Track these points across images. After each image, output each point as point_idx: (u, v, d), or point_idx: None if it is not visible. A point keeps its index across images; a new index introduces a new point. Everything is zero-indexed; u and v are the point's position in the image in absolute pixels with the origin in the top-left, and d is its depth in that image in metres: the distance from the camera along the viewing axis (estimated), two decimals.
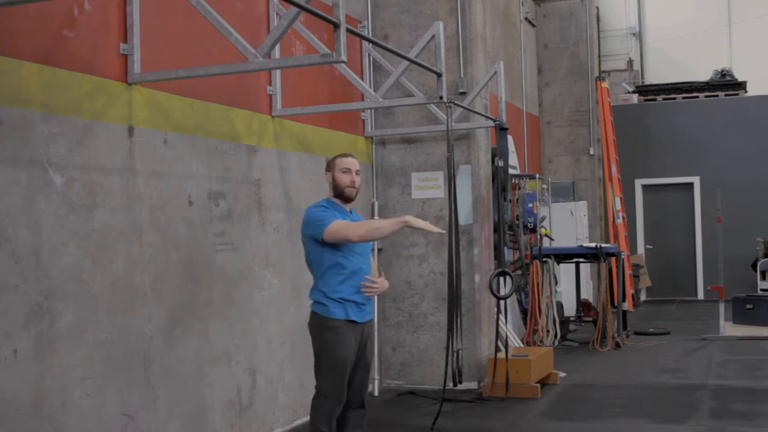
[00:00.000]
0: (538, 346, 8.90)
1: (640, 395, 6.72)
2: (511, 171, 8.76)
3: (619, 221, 11.43)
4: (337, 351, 4.26)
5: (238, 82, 5.39)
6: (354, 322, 4.30)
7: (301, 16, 4.14)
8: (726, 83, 14.91)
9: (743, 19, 16.61)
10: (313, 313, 4.36)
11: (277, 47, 5.53)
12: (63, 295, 3.91)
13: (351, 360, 4.31)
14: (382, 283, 4.44)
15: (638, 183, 14.80)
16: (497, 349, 6.90)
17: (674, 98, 15.04)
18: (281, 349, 5.71)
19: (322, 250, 4.31)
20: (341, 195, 4.43)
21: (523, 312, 9.57)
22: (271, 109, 5.77)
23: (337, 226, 4.25)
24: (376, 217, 6.97)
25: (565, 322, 9.75)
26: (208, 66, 4.79)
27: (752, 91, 14.81)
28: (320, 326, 4.31)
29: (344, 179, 4.43)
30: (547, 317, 9.29)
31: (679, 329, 10.51)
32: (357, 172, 4.45)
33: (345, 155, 4.52)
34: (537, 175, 10.66)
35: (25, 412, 3.70)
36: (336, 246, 4.30)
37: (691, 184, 14.59)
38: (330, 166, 4.48)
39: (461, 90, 7.08)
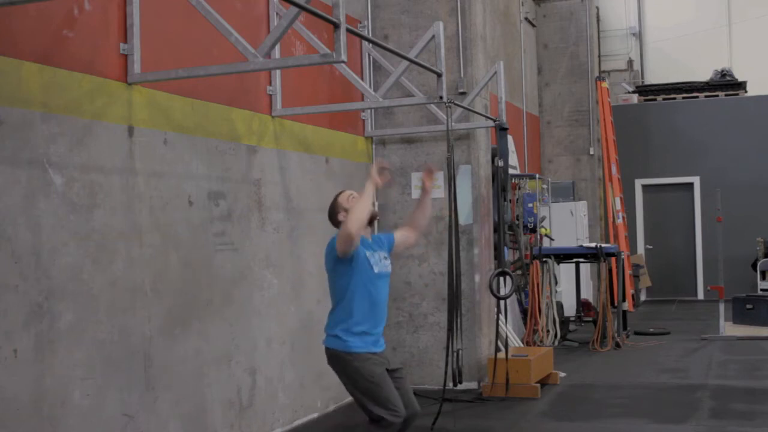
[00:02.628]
0: (538, 346, 8.89)
1: (640, 395, 6.72)
2: (511, 171, 8.76)
3: (619, 221, 11.43)
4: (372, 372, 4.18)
5: (238, 82, 5.39)
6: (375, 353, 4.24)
7: (301, 16, 4.15)
8: (726, 83, 14.91)
9: (743, 19, 16.61)
10: (332, 350, 4.26)
11: (277, 47, 5.53)
12: (63, 295, 3.90)
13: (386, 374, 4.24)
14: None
15: (638, 183, 14.80)
16: (497, 349, 6.90)
17: (674, 98, 15.04)
18: (281, 349, 5.71)
19: (344, 272, 4.28)
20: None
21: (523, 312, 9.56)
22: (271, 109, 5.77)
23: (340, 231, 4.23)
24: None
25: (565, 322, 9.75)
26: (208, 66, 4.79)
27: (752, 91, 14.81)
28: (343, 361, 4.23)
29: None
30: (547, 317, 9.29)
31: (679, 329, 10.51)
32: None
33: (341, 192, 4.51)
34: (537, 175, 10.66)
35: (25, 412, 3.70)
36: (358, 273, 4.24)
37: (691, 184, 14.58)
38: (338, 206, 4.43)
39: (461, 90, 7.08)
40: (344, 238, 4.18)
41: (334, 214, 4.50)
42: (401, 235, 4.65)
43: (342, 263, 4.29)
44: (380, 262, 4.40)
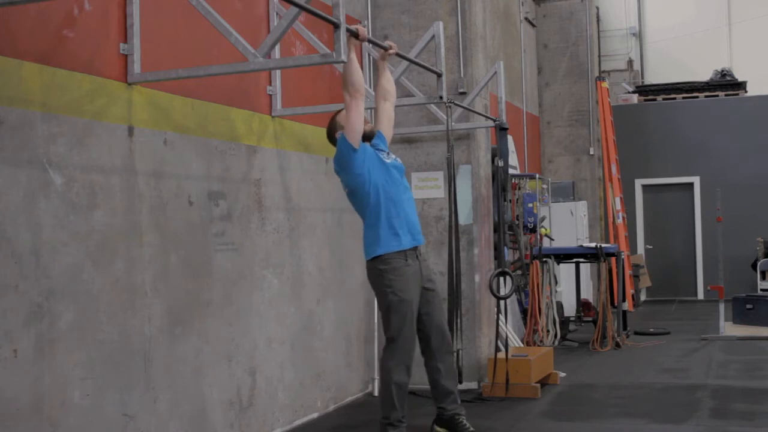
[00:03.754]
0: (538, 346, 8.90)
1: (640, 395, 6.72)
2: (511, 171, 8.76)
3: (619, 221, 11.44)
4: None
5: (237, 82, 5.39)
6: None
7: (301, 16, 4.14)
8: (726, 83, 14.91)
9: (743, 19, 16.62)
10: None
11: (277, 47, 5.53)
12: (63, 295, 3.91)
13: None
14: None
15: (638, 183, 14.80)
16: (497, 349, 6.90)
17: (674, 98, 15.04)
18: (281, 349, 5.71)
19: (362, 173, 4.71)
20: (364, 138, 4.75)
21: (523, 312, 9.56)
22: (271, 109, 5.77)
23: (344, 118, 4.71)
24: None
25: (565, 322, 9.75)
26: (208, 66, 4.79)
27: (752, 91, 14.82)
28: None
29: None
30: (547, 317, 9.29)
31: (679, 329, 10.51)
32: None
33: (339, 111, 4.92)
34: (537, 175, 10.67)
35: (25, 412, 3.70)
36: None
37: (691, 184, 14.59)
38: (336, 124, 4.85)
39: (461, 90, 7.08)
40: (352, 122, 4.58)
41: (332, 132, 4.77)
42: (383, 122, 5.12)
43: (357, 162, 4.65)
44: (389, 157, 4.90)
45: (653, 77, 17.11)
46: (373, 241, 4.74)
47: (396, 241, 4.71)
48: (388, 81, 5.10)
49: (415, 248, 4.86)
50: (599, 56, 15.80)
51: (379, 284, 4.74)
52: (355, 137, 4.62)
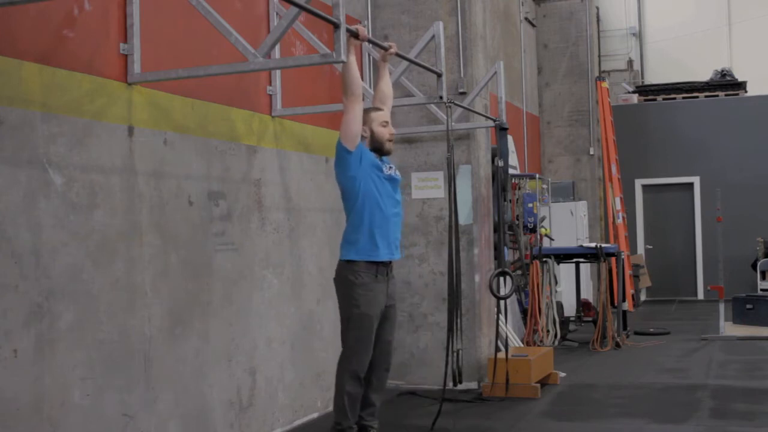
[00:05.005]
0: (538, 346, 8.90)
1: (640, 395, 6.72)
2: (511, 171, 8.77)
3: (619, 221, 11.44)
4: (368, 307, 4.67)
5: (237, 82, 5.39)
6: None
7: (301, 16, 4.15)
8: (726, 83, 14.91)
9: (743, 19, 16.62)
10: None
11: (277, 47, 5.53)
12: (63, 295, 3.91)
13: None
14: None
15: (638, 183, 14.80)
16: (497, 349, 6.90)
17: (674, 98, 15.05)
18: (281, 349, 5.71)
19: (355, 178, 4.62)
20: (380, 148, 4.71)
21: (523, 312, 9.56)
22: (271, 109, 5.77)
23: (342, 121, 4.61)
24: None
25: (565, 322, 9.75)
26: (208, 66, 4.79)
27: (752, 91, 14.82)
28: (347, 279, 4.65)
29: (384, 132, 4.70)
30: (547, 317, 9.29)
31: (679, 329, 10.51)
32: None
33: (377, 108, 4.79)
34: (537, 175, 10.67)
35: (25, 412, 3.70)
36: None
37: (691, 184, 14.59)
38: (365, 120, 4.64)
39: (461, 90, 7.08)
40: (349, 125, 4.51)
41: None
42: None
43: (351, 163, 4.57)
44: (389, 169, 4.80)
45: (653, 77, 17.12)
46: (352, 242, 4.67)
47: (374, 251, 4.63)
48: (386, 85, 5.07)
49: (388, 263, 4.78)
50: (599, 56, 15.80)
51: (345, 294, 4.68)
52: (349, 139, 4.58)
